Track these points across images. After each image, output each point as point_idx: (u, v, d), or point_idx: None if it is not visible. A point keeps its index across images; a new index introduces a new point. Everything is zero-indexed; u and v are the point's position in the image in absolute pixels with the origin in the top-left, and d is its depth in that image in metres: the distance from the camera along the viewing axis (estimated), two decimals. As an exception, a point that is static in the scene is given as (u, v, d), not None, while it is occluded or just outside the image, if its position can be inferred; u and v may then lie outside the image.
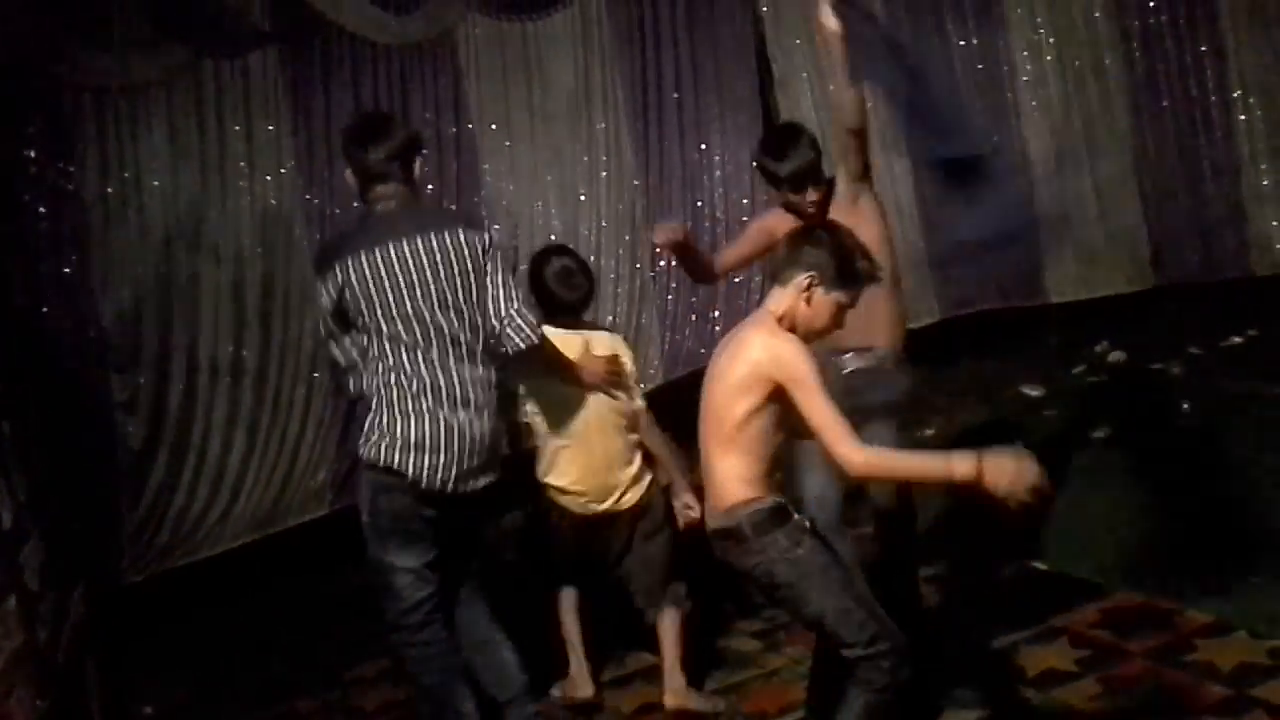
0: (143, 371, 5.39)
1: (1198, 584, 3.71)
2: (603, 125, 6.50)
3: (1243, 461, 4.55)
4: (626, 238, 6.63)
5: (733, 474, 2.71)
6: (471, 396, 3.24)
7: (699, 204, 6.84)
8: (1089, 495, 4.56)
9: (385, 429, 3.22)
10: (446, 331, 3.20)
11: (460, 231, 3.25)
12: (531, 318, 3.33)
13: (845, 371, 3.33)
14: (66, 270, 5.18)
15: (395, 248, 3.17)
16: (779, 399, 2.65)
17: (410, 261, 3.18)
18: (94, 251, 5.25)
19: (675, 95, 6.70)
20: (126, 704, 4.43)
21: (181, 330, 5.46)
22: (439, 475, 3.20)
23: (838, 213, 3.29)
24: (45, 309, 5.11)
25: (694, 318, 6.90)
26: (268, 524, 5.63)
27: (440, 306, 3.19)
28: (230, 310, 5.55)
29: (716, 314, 6.89)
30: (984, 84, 6.91)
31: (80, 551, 4.51)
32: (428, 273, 3.18)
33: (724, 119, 6.69)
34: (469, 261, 3.23)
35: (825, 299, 2.74)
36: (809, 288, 2.72)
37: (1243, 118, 6.50)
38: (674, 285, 6.83)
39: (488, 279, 3.26)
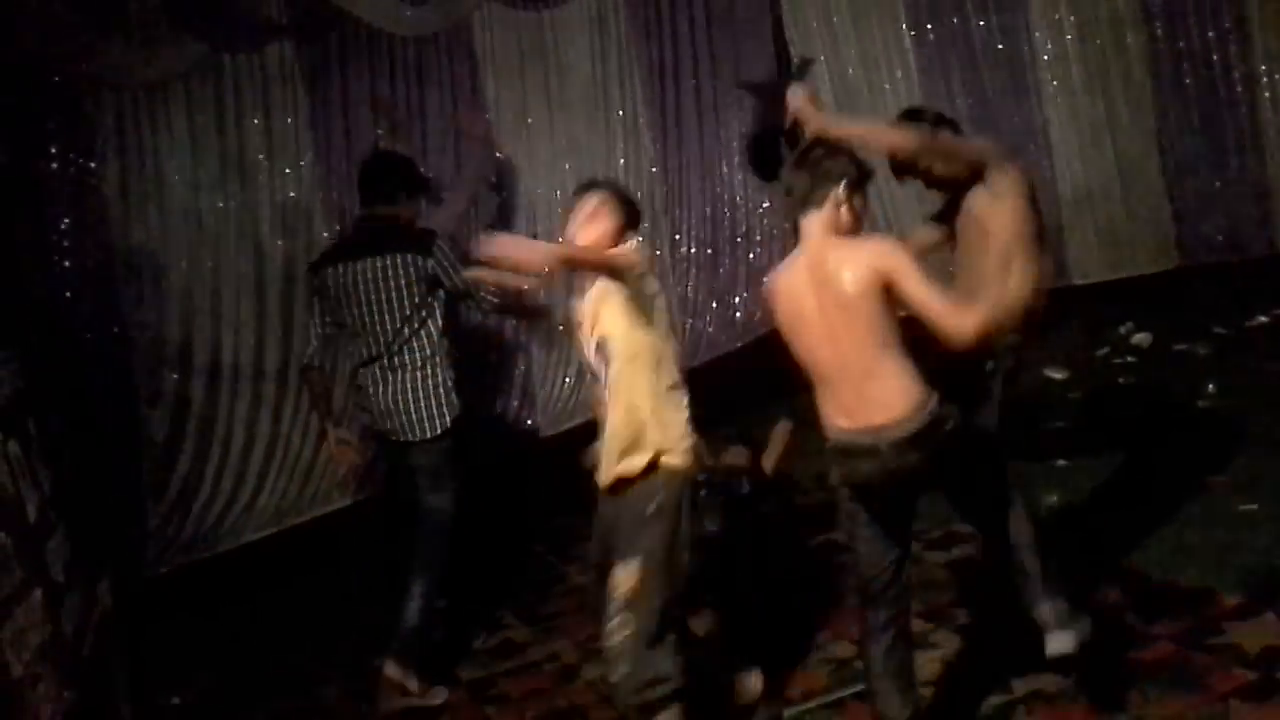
0: (166, 365, 5.43)
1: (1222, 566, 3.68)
2: (620, 113, 6.49)
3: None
4: (646, 224, 6.59)
5: (908, 374, 2.76)
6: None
7: (718, 190, 6.83)
8: (1115, 478, 4.53)
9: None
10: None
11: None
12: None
13: None
14: (88, 265, 5.21)
15: None
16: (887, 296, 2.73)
17: None
18: (116, 246, 5.28)
19: (693, 81, 6.68)
20: (154, 695, 4.47)
21: (204, 324, 5.50)
22: None
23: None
24: (68, 304, 5.15)
25: (715, 304, 6.89)
26: (291, 515, 5.68)
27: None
28: (252, 303, 5.58)
29: (737, 300, 6.89)
30: (1004, 64, 6.86)
31: (106, 544, 4.55)
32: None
33: (742, 103, 6.66)
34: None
35: (858, 201, 2.84)
36: (848, 197, 2.80)
37: (1267, 94, 6.42)
38: (694, 271, 6.83)
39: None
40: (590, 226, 3.17)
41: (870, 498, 2.92)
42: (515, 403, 6.27)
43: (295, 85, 5.63)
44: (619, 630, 2.98)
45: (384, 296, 4.04)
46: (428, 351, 4.10)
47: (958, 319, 2.62)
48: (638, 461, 3.05)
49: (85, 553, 3.88)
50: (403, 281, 4.04)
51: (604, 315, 3.08)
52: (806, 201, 2.84)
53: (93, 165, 5.24)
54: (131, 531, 5.25)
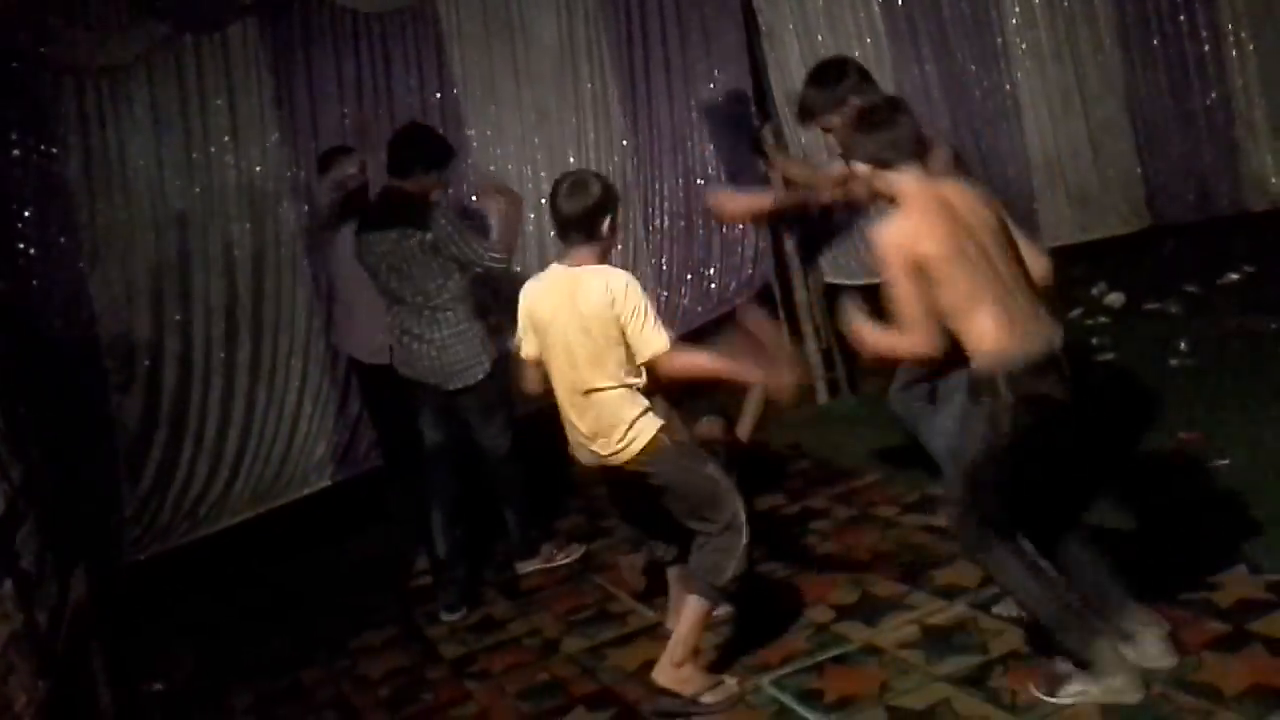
0: (137, 351, 5.38)
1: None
2: (589, 85, 6.43)
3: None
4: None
5: None
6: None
7: (690, 162, 6.79)
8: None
9: None
10: None
11: None
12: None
13: None
14: (54, 252, 5.16)
15: None
16: None
17: None
18: (81, 232, 5.23)
19: (662, 52, 6.62)
20: (135, 681, 4.46)
21: (174, 308, 5.45)
22: None
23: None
24: (35, 292, 5.09)
25: (690, 276, 6.87)
26: (269, 498, 5.65)
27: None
28: (222, 285, 5.53)
29: (712, 271, 6.86)
30: (972, 28, 6.84)
31: (81, 532, 4.53)
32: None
33: (712, 74, 6.62)
34: None
35: None
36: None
37: (1234, 53, 6.42)
38: (668, 244, 6.80)
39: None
40: None
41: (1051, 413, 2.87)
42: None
43: (259, 65, 5.56)
44: None
45: (400, 265, 4.40)
46: (457, 309, 4.46)
47: None
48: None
49: (58, 541, 3.86)
50: (415, 251, 4.35)
51: None
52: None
53: (54, 151, 5.18)
54: (107, 519, 5.22)
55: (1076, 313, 6.15)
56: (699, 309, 6.82)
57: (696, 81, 6.67)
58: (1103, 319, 6.03)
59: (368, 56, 5.79)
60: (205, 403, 5.53)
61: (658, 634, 3.84)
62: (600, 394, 3.33)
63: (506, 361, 4.21)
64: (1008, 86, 6.88)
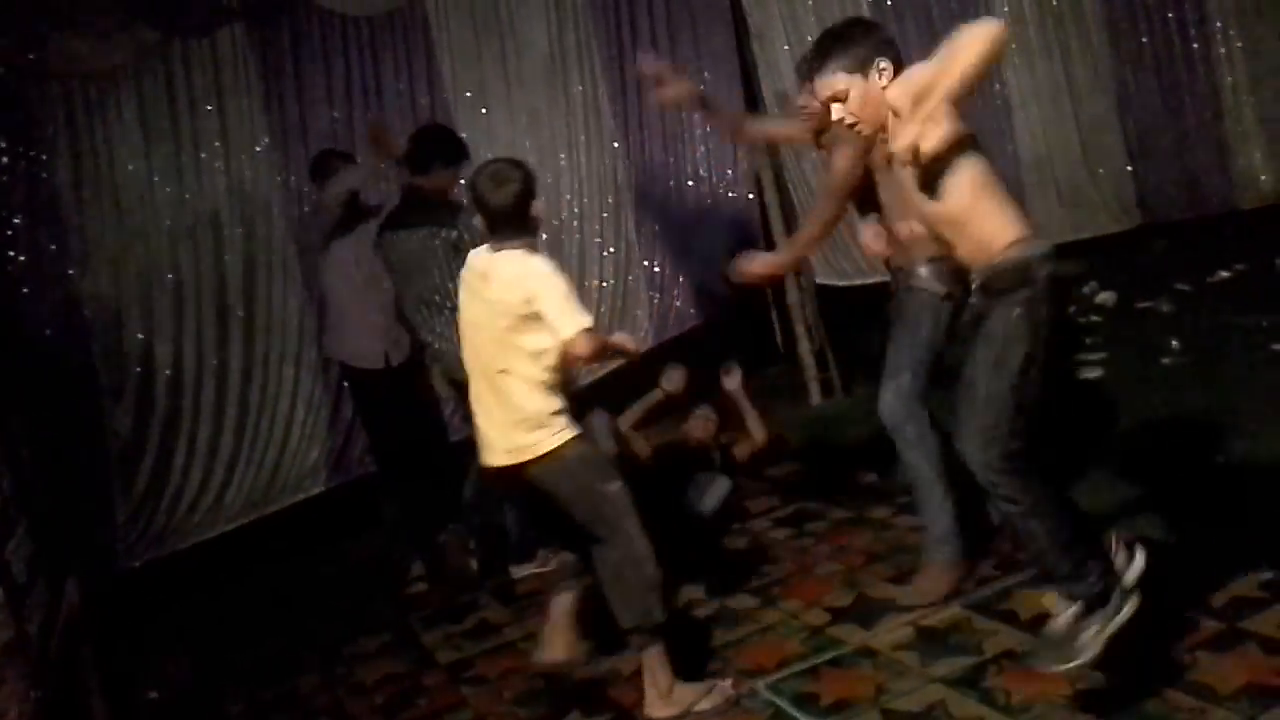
0: (129, 358, 5.37)
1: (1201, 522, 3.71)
2: (580, 88, 6.45)
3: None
4: (610, 199, 6.60)
5: None
6: None
7: (680, 164, 6.80)
8: (1080, 437, 4.56)
9: None
10: None
11: None
12: None
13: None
14: (44, 260, 5.15)
15: None
16: None
17: None
18: (71, 239, 5.23)
19: (652, 54, 6.62)
20: (129, 689, 4.44)
21: (165, 314, 5.45)
22: None
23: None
24: (25, 300, 5.08)
25: (681, 278, 6.87)
26: (262, 505, 5.65)
27: None
28: (213, 291, 5.54)
29: (704, 273, 6.86)
30: (960, 24, 6.84)
31: (73, 541, 4.51)
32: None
33: (702, 74, 6.63)
34: None
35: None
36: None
37: (1223, 50, 6.45)
38: (659, 246, 6.81)
39: None
40: None
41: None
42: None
43: (248, 70, 5.57)
44: None
45: (425, 264, 4.36)
46: None
47: None
48: None
49: (51, 550, 3.84)
50: (439, 250, 4.32)
51: None
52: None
53: (44, 158, 5.18)
54: (100, 527, 5.21)
55: (1069, 311, 6.16)
56: (691, 311, 6.83)
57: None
58: (1095, 318, 6.03)
59: (356, 60, 5.81)
60: (198, 409, 5.52)
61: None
62: (510, 379, 3.21)
63: None
64: (997, 85, 6.90)
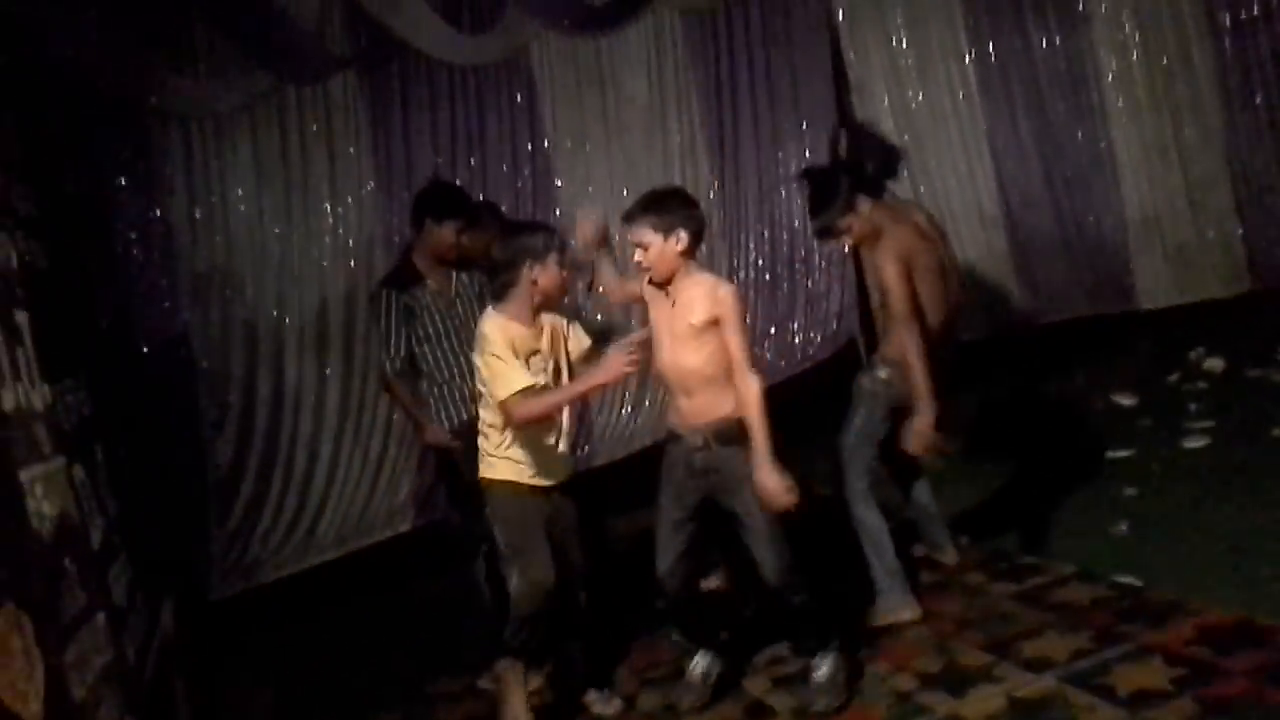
0: (230, 391, 5.51)
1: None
2: (678, 137, 6.50)
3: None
4: (704, 248, 6.58)
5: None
6: None
7: (775, 214, 6.79)
8: (1185, 508, 4.42)
9: None
10: None
11: None
12: None
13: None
14: (155, 293, 5.33)
15: None
16: None
17: None
18: (181, 275, 5.40)
19: (750, 104, 6.66)
20: (216, 717, 4.51)
21: (268, 349, 5.58)
22: None
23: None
24: (135, 332, 5.25)
25: (773, 329, 6.84)
26: (352, 540, 5.72)
27: None
28: (314, 329, 5.66)
29: (796, 325, 6.83)
30: (1067, 82, 6.76)
31: (169, 568, 4.61)
32: None
33: (800, 126, 6.63)
34: None
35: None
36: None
37: (1340, 109, 6.26)
38: (751, 296, 6.79)
39: None
40: None
41: None
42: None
43: (357, 115, 5.73)
44: None
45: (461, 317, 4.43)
46: None
47: None
48: None
49: (148, 577, 3.93)
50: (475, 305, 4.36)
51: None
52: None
53: (160, 195, 5.36)
54: (195, 556, 5.33)
55: (1174, 377, 5.98)
56: (782, 363, 6.79)
57: (784, 134, 6.68)
58: (1201, 385, 5.85)
59: (462, 107, 5.93)
60: (294, 444, 5.64)
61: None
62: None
63: None
64: (1103, 143, 6.77)
